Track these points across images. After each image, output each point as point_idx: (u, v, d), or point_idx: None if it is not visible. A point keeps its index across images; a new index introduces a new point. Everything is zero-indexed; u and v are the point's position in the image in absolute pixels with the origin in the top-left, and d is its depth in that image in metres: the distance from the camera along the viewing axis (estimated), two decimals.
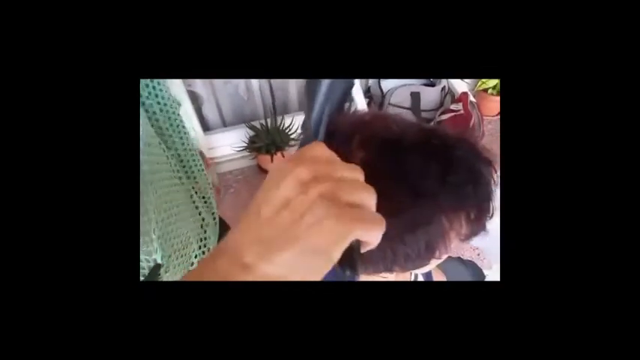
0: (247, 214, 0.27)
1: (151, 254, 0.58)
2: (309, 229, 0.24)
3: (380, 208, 0.35)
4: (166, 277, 0.59)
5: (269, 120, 1.83)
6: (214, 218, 0.74)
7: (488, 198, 0.41)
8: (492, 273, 0.90)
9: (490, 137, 1.83)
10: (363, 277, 0.52)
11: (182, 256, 0.64)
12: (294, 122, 1.89)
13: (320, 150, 0.29)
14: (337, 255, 0.25)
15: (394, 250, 0.40)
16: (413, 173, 0.37)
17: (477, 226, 0.42)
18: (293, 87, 1.89)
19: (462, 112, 1.70)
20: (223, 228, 0.76)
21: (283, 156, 1.88)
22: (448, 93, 1.91)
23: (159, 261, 0.59)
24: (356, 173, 0.28)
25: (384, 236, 0.37)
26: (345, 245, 0.25)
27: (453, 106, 1.74)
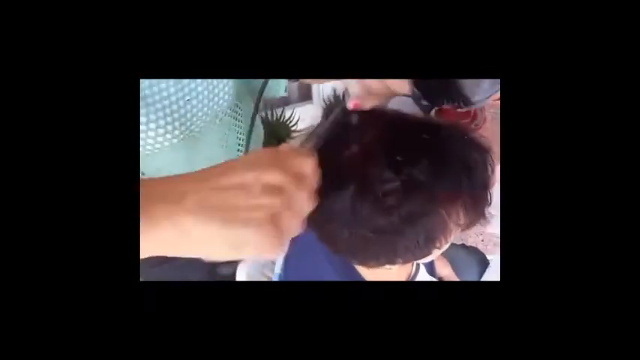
0: (215, 167, 0.30)
1: None
2: (244, 222, 0.27)
3: (377, 203, 0.38)
4: None
5: (269, 112, 1.83)
6: None
7: (485, 186, 0.41)
8: (496, 258, 0.89)
9: (492, 122, 1.80)
10: (368, 271, 0.52)
11: None
12: (295, 114, 1.89)
13: (308, 166, 0.31)
14: (224, 255, 0.28)
15: (394, 243, 0.40)
16: (405, 167, 0.37)
17: (476, 215, 0.42)
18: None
19: None
20: None
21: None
22: None
23: None
24: (310, 203, 0.31)
25: (384, 230, 0.39)
26: (237, 255, 0.28)
27: None
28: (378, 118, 0.41)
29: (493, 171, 0.41)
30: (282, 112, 1.87)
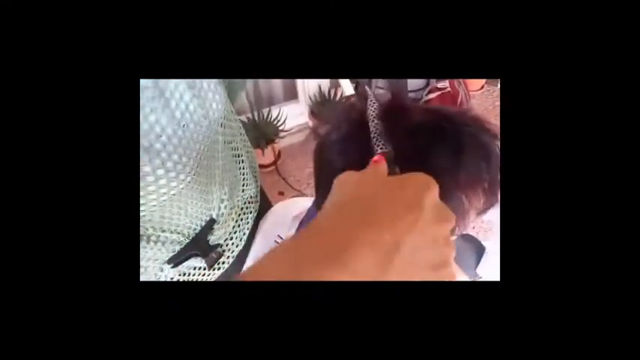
0: (394, 212, 0.29)
1: (209, 210, 0.61)
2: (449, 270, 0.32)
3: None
4: (217, 227, 0.61)
5: (255, 113, 1.79)
6: (255, 175, 0.75)
7: (498, 169, 0.42)
8: (490, 244, 0.89)
9: (491, 115, 1.81)
10: None
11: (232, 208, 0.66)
12: (282, 113, 1.85)
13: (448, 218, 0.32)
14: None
15: None
16: (429, 157, 0.38)
17: (493, 199, 0.44)
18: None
19: (448, 89, 1.65)
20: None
21: (274, 149, 1.85)
22: None
23: (214, 217, 0.61)
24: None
25: None
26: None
27: (439, 85, 1.70)
28: (398, 109, 0.42)
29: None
30: (269, 111, 1.83)
